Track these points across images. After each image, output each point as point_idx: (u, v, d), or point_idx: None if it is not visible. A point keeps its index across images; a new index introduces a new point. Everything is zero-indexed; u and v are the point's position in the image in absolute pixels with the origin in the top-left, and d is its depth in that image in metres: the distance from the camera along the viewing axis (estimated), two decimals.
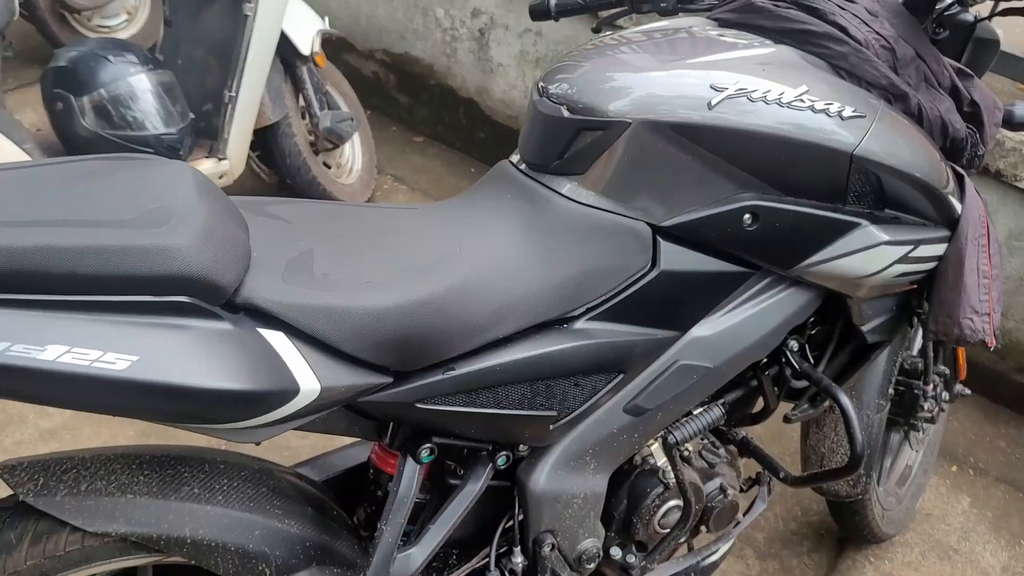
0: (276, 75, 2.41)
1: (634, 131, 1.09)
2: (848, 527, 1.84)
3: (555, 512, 1.24)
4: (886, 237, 1.24)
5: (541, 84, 1.17)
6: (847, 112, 1.14)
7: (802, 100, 1.12)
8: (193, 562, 1.06)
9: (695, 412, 1.34)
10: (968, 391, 1.86)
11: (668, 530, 1.37)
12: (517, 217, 1.14)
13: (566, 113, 1.12)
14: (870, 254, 1.24)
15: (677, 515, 1.37)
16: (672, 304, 1.20)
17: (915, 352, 1.75)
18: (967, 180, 1.33)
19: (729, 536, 1.53)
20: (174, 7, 2.30)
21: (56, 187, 0.88)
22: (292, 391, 0.90)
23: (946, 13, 1.34)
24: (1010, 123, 1.45)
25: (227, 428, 0.91)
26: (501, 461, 1.20)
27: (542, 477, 1.22)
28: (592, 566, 1.32)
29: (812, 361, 1.44)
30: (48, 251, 0.80)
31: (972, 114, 1.35)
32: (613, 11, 1.51)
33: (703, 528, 1.46)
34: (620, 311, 1.16)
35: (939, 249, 1.32)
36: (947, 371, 1.77)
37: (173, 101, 2.16)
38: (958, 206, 1.32)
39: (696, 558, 1.49)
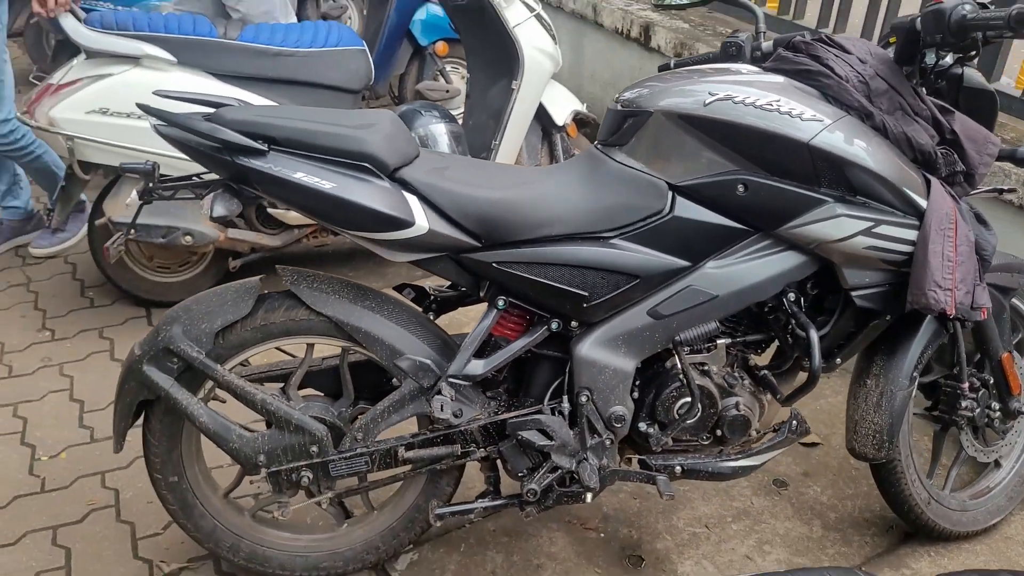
0: (534, 136, 3.31)
1: (655, 118, 1.75)
2: (887, 497, 2.12)
3: (592, 374, 1.84)
4: (846, 212, 1.72)
5: (615, 95, 1.87)
6: (806, 115, 1.69)
7: (770, 105, 1.69)
8: (362, 347, 1.84)
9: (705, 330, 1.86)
10: None
11: (683, 418, 1.89)
12: (579, 170, 1.83)
13: (619, 107, 1.81)
14: (832, 222, 1.73)
15: (690, 409, 1.89)
16: (683, 241, 1.78)
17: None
18: (935, 184, 1.76)
19: (750, 454, 1.98)
20: (472, 86, 3.30)
21: (323, 113, 1.76)
22: (410, 222, 1.67)
23: (937, 67, 1.82)
24: (1012, 158, 1.85)
25: (375, 238, 1.70)
26: (555, 325, 1.84)
27: (584, 346, 1.84)
28: (620, 427, 1.88)
29: (816, 323, 1.90)
30: (305, 132, 1.66)
31: (953, 141, 1.79)
32: (687, 58, 2.15)
33: (719, 432, 1.94)
34: (642, 237, 1.78)
35: (908, 234, 1.76)
36: (989, 379, 2.06)
37: (457, 144, 3.12)
38: (923, 202, 1.75)
39: (714, 457, 1.96)
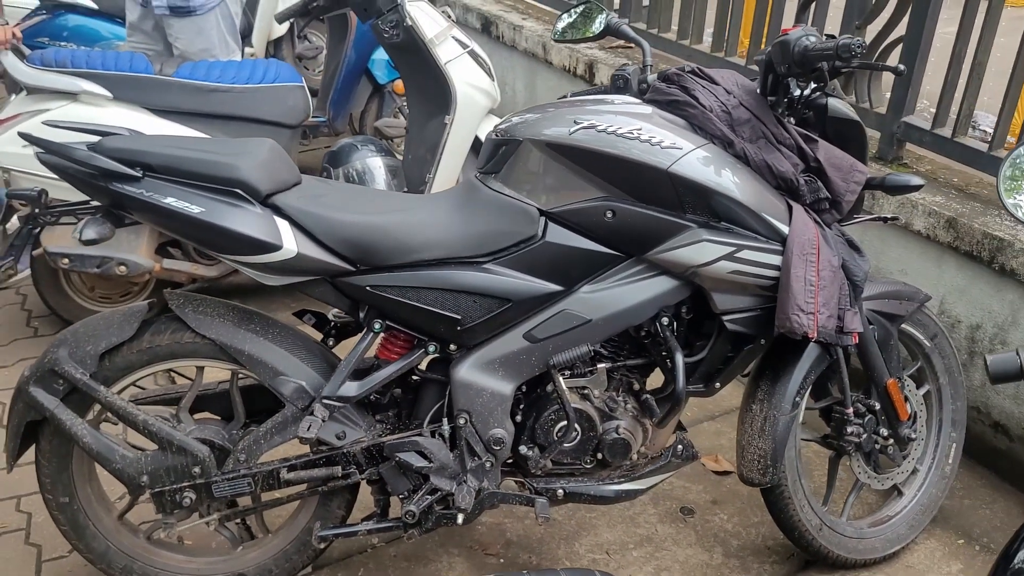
0: (471, 170, 3.37)
1: (524, 146, 1.80)
2: (778, 522, 2.12)
3: (469, 397, 1.87)
4: (709, 237, 1.76)
5: (497, 125, 1.92)
6: (666, 143, 1.73)
7: (631, 133, 1.74)
8: (246, 368, 1.88)
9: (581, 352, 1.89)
10: (913, 435, 2.12)
11: (561, 441, 1.91)
12: (457, 197, 1.89)
13: (495, 136, 1.86)
14: (696, 247, 1.77)
15: (567, 431, 1.91)
16: (556, 266, 1.83)
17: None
18: (797, 211, 1.80)
19: (634, 478, 2.00)
20: (411, 121, 3.37)
21: (202, 142, 1.82)
22: (277, 245, 1.72)
23: (804, 98, 1.87)
24: (883, 187, 1.89)
25: (246, 261, 1.75)
26: (431, 348, 1.88)
27: (462, 369, 1.87)
28: (500, 449, 1.91)
29: (693, 347, 1.93)
30: (179, 159, 1.72)
31: (818, 169, 1.83)
32: (581, 91, 2.20)
33: (600, 456, 1.96)
34: (515, 262, 1.82)
35: (771, 259, 1.79)
36: (876, 404, 2.07)
37: (393, 177, 3.18)
38: (785, 228, 1.79)
39: (594, 480, 1.98)
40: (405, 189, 3.25)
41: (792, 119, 1.89)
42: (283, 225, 1.76)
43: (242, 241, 1.72)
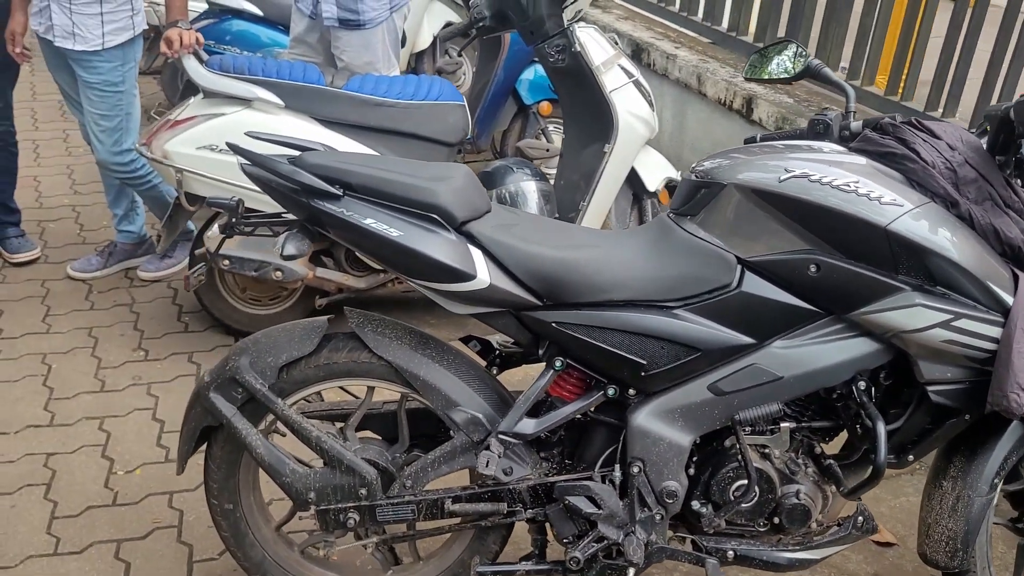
0: (624, 200, 3.31)
1: (728, 190, 1.72)
2: None
3: (646, 445, 1.80)
4: (924, 301, 1.64)
5: (692, 165, 1.86)
6: (886, 199, 1.63)
7: (848, 186, 1.65)
8: (419, 393, 1.86)
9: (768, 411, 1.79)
10: None
11: (739, 501, 1.82)
12: (649, 236, 1.82)
13: (694, 177, 1.80)
14: (909, 311, 1.65)
15: (746, 491, 1.81)
16: (750, 317, 1.74)
17: None
18: (1022, 280, 1.66)
19: (810, 547, 1.88)
20: (566, 146, 3.33)
21: (400, 164, 1.81)
22: (471, 275, 1.69)
23: None
24: None
25: (436, 288, 1.72)
26: (611, 391, 1.82)
27: (640, 415, 1.80)
28: (672, 503, 1.83)
29: (888, 416, 1.80)
30: (379, 180, 1.71)
31: None
32: (773, 132, 2.11)
33: (776, 520, 1.86)
34: (707, 310, 1.75)
35: (991, 330, 1.66)
36: None
37: (546, 203, 3.14)
38: (1009, 298, 1.65)
39: (767, 545, 1.88)
40: (556, 215, 3.21)
41: (1020, 181, 1.76)
42: (477, 254, 1.73)
43: (437, 268, 1.69)
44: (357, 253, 1.82)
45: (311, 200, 1.72)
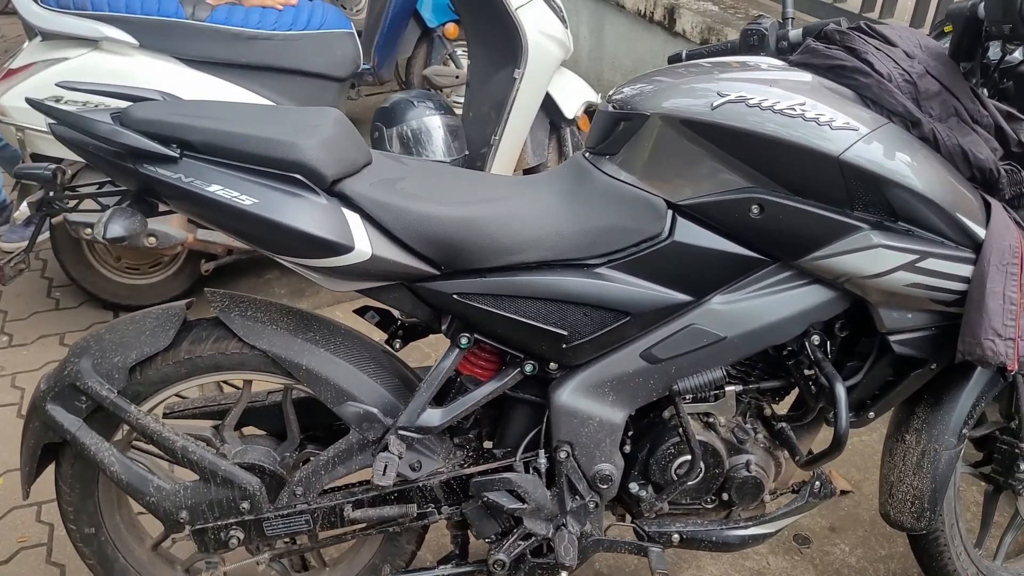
0: (540, 130, 2.99)
1: (652, 122, 1.43)
2: (927, 570, 1.81)
3: (572, 426, 1.55)
4: (885, 241, 1.40)
5: (609, 93, 1.56)
6: (837, 123, 1.36)
7: (794, 109, 1.37)
8: (304, 385, 1.56)
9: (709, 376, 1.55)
10: None
11: (683, 479, 1.59)
12: (562, 182, 1.53)
13: (611, 108, 1.50)
14: (868, 254, 1.40)
15: (691, 468, 1.58)
16: (685, 271, 1.47)
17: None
18: (996, 209, 1.43)
19: (763, 521, 1.67)
20: (473, 75, 2.99)
21: (254, 112, 1.47)
22: (348, 247, 1.38)
23: (1004, 63, 1.48)
24: None
25: (307, 264, 1.41)
26: (528, 368, 1.55)
27: (564, 393, 1.54)
28: (607, 488, 1.58)
29: (844, 371, 1.58)
30: (226, 135, 1.38)
31: (1021, 156, 1.45)
32: (700, 48, 1.82)
33: (726, 496, 1.64)
34: (635, 266, 1.47)
35: (961, 269, 1.42)
36: None
37: (454, 139, 2.82)
38: (981, 231, 1.42)
39: (718, 525, 1.66)
40: (466, 152, 2.89)
41: (986, 90, 1.51)
42: (353, 220, 1.41)
43: (304, 240, 1.38)
44: (206, 226, 1.47)
45: (139, 165, 1.37)
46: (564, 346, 1.50)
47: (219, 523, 1.59)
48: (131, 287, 2.88)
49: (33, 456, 1.60)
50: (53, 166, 1.50)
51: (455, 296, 1.47)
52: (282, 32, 2.66)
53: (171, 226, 2.61)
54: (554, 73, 2.91)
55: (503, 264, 1.46)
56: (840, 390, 1.48)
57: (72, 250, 2.78)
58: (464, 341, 1.53)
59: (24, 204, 1.39)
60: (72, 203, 1.54)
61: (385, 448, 1.51)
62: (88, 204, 1.58)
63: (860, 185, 1.38)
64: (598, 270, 1.48)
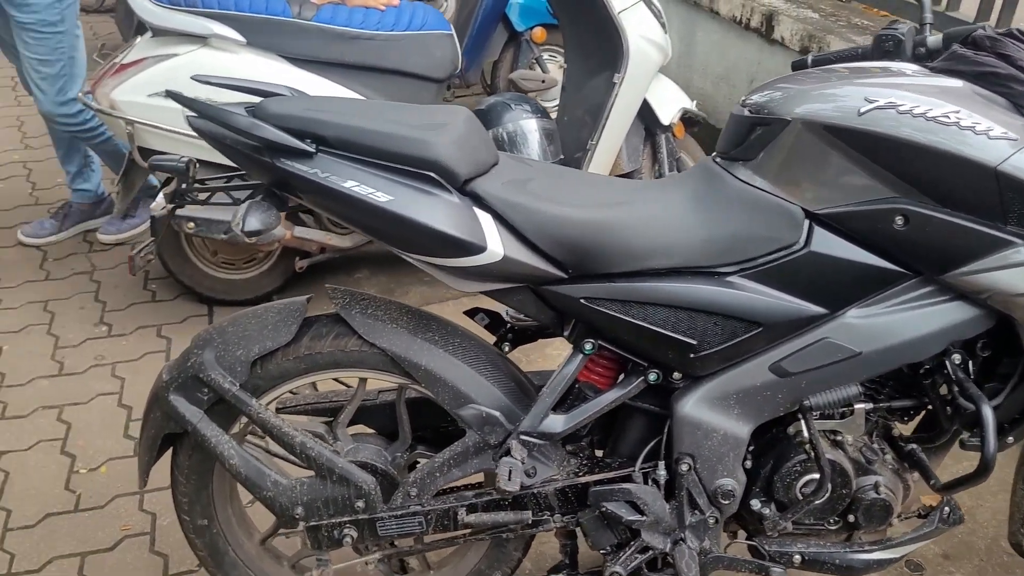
0: (635, 136, 2.95)
1: (793, 128, 1.39)
2: None
3: (695, 438, 1.51)
4: None
5: (742, 97, 1.52)
6: (995, 132, 1.30)
7: (948, 117, 1.31)
8: (420, 385, 1.55)
9: (843, 393, 1.49)
10: None
11: (808, 499, 1.53)
12: (693, 187, 1.49)
13: (746, 112, 1.46)
14: (1020, 271, 1.34)
15: (818, 488, 1.52)
16: (821, 282, 1.42)
17: None
18: None
19: (888, 545, 1.61)
20: (569, 78, 2.96)
21: (385, 109, 1.47)
22: (481, 247, 1.36)
23: None
24: None
25: (438, 263, 1.40)
26: (652, 377, 1.51)
27: (688, 403, 1.50)
28: (728, 504, 1.54)
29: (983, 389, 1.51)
30: (361, 131, 1.37)
31: None
32: (829, 53, 1.76)
33: (852, 518, 1.58)
34: (769, 276, 1.43)
35: None
36: None
37: (549, 143, 2.80)
38: None
39: (841, 547, 1.60)
40: (561, 156, 2.86)
41: None
42: (486, 220, 1.40)
43: (438, 240, 1.36)
44: (339, 222, 1.46)
45: (276, 160, 1.38)
46: (692, 356, 1.46)
47: (333, 520, 1.59)
48: (226, 282, 2.91)
49: (153, 446, 1.62)
50: (186, 158, 1.52)
51: (582, 300, 1.45)
52: (384, 32, 2.67)
53: None
54: (652, 79, 2.87)
55: (633, 269, 1.43)
56: (987, 412, 1.41)
57: (172, 244, 2.82)
58: (588, 347, 1.50)
59: (160, 196, 1.40)
60: (203, 196, 1.55)
61: (507, 453, 1.49)
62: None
63: (1016, 198, 1.31)
64: (730, 278, 1.44)
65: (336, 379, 1.68)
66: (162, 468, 1.65)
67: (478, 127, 1.48)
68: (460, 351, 1.57)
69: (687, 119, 3.06)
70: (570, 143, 2.90)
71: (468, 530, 1.62)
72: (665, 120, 2.96)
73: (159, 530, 2.08)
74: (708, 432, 1.50)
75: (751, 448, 1.57)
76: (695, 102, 3.10)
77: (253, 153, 1.39)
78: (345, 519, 1.59)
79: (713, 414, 1.50)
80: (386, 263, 3.18)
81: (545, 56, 4.05)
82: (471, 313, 1.78)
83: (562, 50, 4.19)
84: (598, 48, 2.79)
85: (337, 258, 2.98)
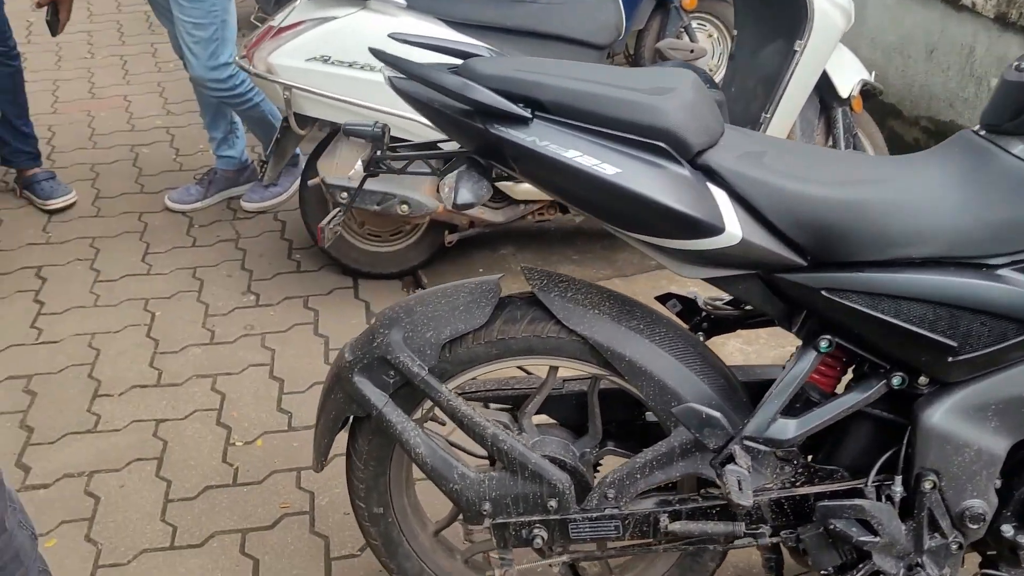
0: (811, 110, 2.72)
1: None
2: None
3: (943, 453, 1.32)
4: None
5: (1016, 61, 1.30)
6: None
7: None
8: (621, 378, 1.41)
9: None
10: None
11: None
12: (957, 165, 1.29)
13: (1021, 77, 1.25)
14: None
15: None
16: None
17: None
18: None
19: None
20: (740, 46, 2.76)
21: (604, 72, 1.32)
22: (719, 228, 1.21)
23: None
24: None
25: (665, 245, 1.25)
26: (896, 381, 1.33)
27: (937, 413, 1.31)
28: (976, 528, 1.35)
29: None
30: (585, 95, 1.23)
31: None
32: None
33: None
34: None
35: None
36: None
37: None
38: None
39: None
40: None
41: None
42: (721, 197, 1.24)
43: (671, 219, 1.21)
44: (548, 196, 1.33)
45: (489, 126, 1.24)
46: (949, 359, 1.27)
47: (522, 519, 1.47)
48: (372, 254, 2.84)
49: (333, 429, 1.53)
50: (382, 123, 1.40)
51: (823, 292, 1.27)
52: None
53: (423, 194, 2.53)
54: (834, 48, 2.63)
55: (885, 258, 1.25)
56: None
57: (319, 213, 2.76)
58: (824, 344, 1.33)
59: (359, 163, 1.31)
60: (398, 164, 1.43)
61: (730, 459, 1.33)
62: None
63: None
64: (1000, 271, 1.24)
65: (520, 367, 1.56)
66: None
67: (706, 93, 1.31)
68: (667, 342, 1.42)
69: (864, 92, 2.81)
70: (738, 115, 2.70)
71: (667, 539, 1.47)
72: (844, 92, 2.72)
73: (318, 510, 2.02)
74: (959, 447, 1.31)
75: (1004, 466, 1.37)
76: (873, 73, 2.85)
77: (463, 118, 1.26)
78: (535, 518, 1.47)
79: (966, 426, 1.31)
80: (532, 239, 3.05)
81: (694, 24, 3.82)
82: (663, 299, 1.63)
83: (713, 18, 3.98)
84: (776, 12, 2.57)
85: (487, 232, 2.86)
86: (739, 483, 1.30)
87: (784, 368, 1.36)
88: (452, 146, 1.40)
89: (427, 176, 2.55)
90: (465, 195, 1.28)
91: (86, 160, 3.66)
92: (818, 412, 1.35)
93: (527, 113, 1.24)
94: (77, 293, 2.82)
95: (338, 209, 1.71)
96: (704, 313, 1.62)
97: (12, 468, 2.12)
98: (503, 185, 2.59)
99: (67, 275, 2.91)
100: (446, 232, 2.78)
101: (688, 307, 1.62)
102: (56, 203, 3.27)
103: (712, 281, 1.33)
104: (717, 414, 1.36)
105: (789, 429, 1.35)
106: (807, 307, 1.33)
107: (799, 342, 1.37)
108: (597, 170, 1.21)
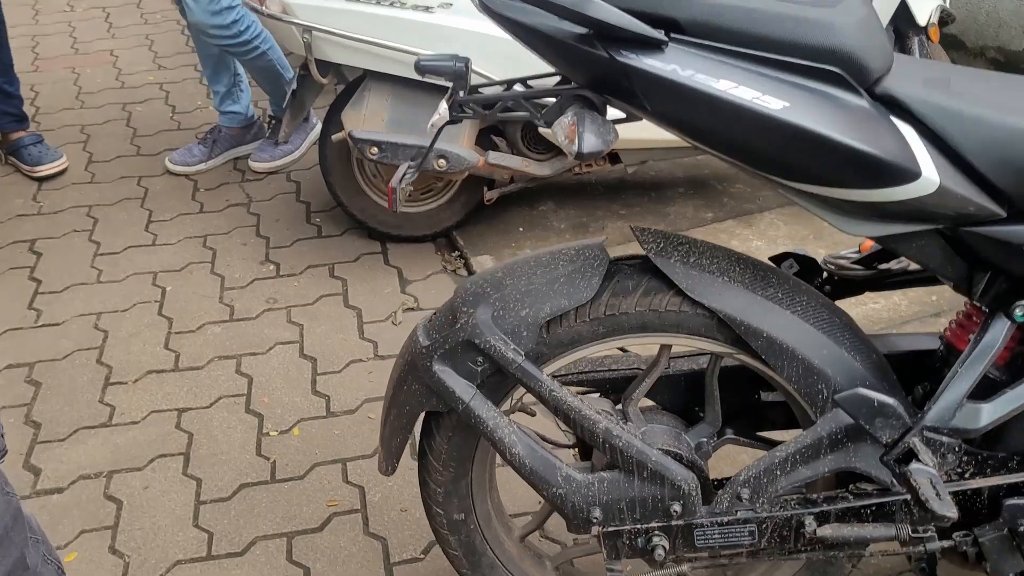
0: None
1: None
2: None
3: None
4: None
5: None
6: None
7: None
8: (762, 358, 1.17)
9: None
10: None
11: None
12: None
13: None
14: None
15: None
16: None
17: None
18: None
19: None
20: None
21: None
22: (914, 173, 0.97)
23: None
24: None
25: (838, 195, 1.00)
26: None
27: None
28: None
29: None
30: (736, 10, 0.97)
31: None
32: None
33: None
34: None
35: None
36: None
37: None
38: None
39: None
40: None
41: None
42: (910, 135, 0.99)
43: (857, 163, 0.96)
44: (688, 141, 1.07)
45: (615, 52, 0.99)
46: None
47: (639, 526, 1.24)
48: (401, 215, 2.58)
49: (407, 426, 1.29)
50: (464, 58, 1.14)
51: None
52: None
53: (462, 147, 2.27)
54: None
55: None
56: None
57: (342, 172, 2.50)
58: (1019, 312, 1.09)
59: (442, 105, 1.09)
60: (489, 107, 1.17)
61: (908, 454, 1.10)
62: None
63: None
64: None
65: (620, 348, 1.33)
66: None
67: (872, 9, 1.06)
68: (811, 313, 1.18)
69: (944, 20, 2.55)
70: None
71: (814, 545, 1.25)
72: (922, 20, 2.47)
73: (370, 507, 1.79)
74: None
75: None
76: (945, 1, 2.58)
77: (580, 44, 1.00)
78: (654, 524, 1.24)
79: None
80: (572, 195, 2.80)
81: None
82: (777, 259, 1.40)
83: None
84: None
85: (532, 187, 2.61)
86: (935, 489, 1.07)
87: (970, 341, 1.13)
88: (550, 82, 1.14)
89: (465, 125, 2.32)
90: (592, 141, 1.02)
91: (75, 121, 3.37)
92: (1012, 394, 1.12)
93: (661, 35, 0.98)
94: (77, 268, 2.55)
95: (409, 164, 1.48)
96: (826, 275, 1.38)
97: (20, 471, 1.88)
98: (548, 132, 2.32)
99: (64, 248, 2.65)
100: (484, 188, 2.52)
101: (807, 267, 1.39)
102: (46, 169, 2.99)
103: (881, 240, 1.09)
104: (892, 401, 1.13)
105: (982, 416, 1.12)
106: (999, 267, 1.09)
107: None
108: (758, 104, 0.96)
